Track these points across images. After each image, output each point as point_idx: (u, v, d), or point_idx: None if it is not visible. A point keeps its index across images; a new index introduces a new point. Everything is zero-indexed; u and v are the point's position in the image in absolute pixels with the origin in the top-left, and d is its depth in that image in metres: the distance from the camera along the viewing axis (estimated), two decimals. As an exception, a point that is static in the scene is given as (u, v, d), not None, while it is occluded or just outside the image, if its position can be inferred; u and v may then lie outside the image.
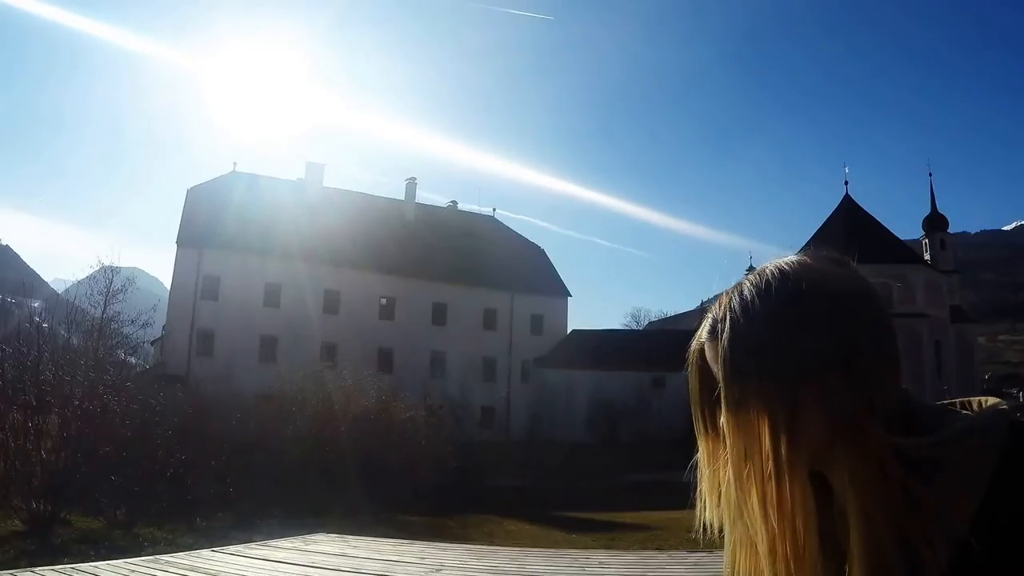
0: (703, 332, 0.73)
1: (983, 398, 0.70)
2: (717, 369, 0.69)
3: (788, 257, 0.73)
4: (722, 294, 0.73)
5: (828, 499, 0.69)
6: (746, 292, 0.70)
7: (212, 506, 11.26)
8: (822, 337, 0.65)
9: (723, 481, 0.72)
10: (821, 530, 0.66)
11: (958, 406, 0.69)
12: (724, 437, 0.69)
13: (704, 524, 0.76)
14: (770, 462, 0.65)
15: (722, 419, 0.69)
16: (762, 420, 0.65)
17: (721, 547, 0.74)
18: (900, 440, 0.63)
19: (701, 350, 0.74)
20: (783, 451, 0.64)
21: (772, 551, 0.66)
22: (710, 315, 0.73)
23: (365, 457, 13.71)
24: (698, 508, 0.76)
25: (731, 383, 0.67)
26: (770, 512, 0.65)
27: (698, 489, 0.76)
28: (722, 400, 0.68)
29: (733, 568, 0.75)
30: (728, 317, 0.69)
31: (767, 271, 0.71)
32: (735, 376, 0.67)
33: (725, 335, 0.68)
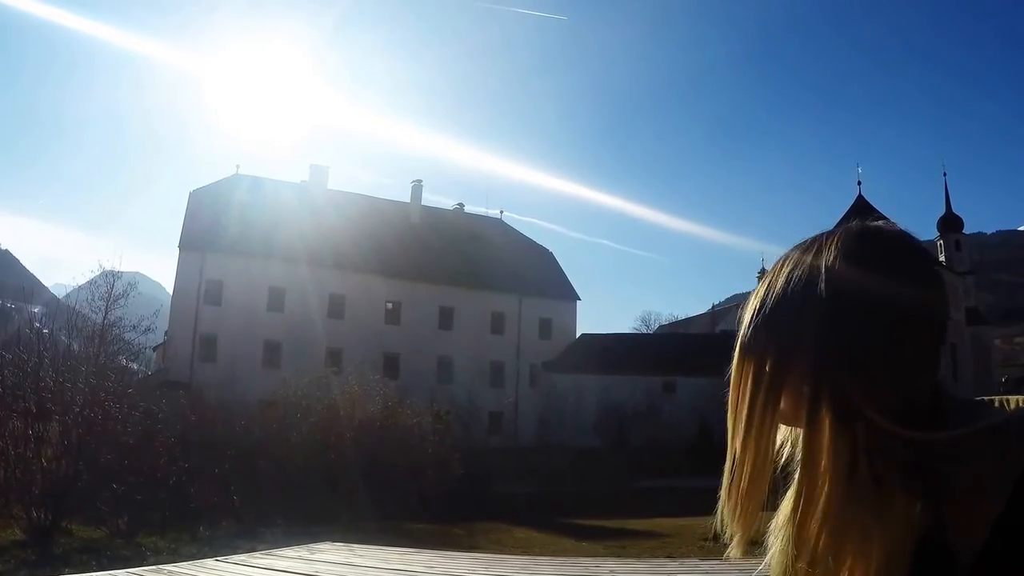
0: (745, 312, 0.72)
1: (1021, 398, 0.69)
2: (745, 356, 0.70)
3: (838, 230, 0.70)
4: (774, 265, 0.72)
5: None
6: (793, 265, 0.68)
7: (215, 514, 11.19)
8: (857, 328, 0.63)
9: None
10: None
11: (996, 403, 0.69)
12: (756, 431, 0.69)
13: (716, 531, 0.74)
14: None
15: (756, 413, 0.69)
16: (797, 410, 0.65)
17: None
18: (913, 434, 0.61)
19: (743, 344, 0.72)
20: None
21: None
22: (755, 292, 0.71)
23: (371, 464, 13.60)
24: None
25: (773, 365, 0.67)
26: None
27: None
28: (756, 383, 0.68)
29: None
30: (770, 292, 0.68)
31: (823, 243, 0.69)
32: (772, 354, 0.67)
33: (762, 312, 0.68)
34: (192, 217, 36.26)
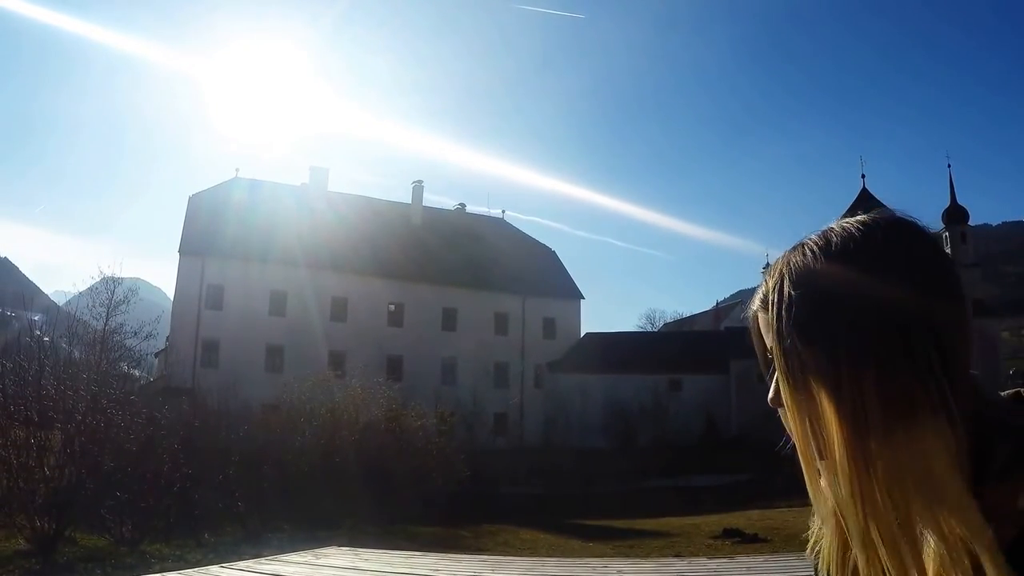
0: (755, 300, 0.68)
1: None
2: (769, 340, 0.65)
3: (855, 217, 0.66)
4: (779, 258, 0.67)
5: None
6: (807, 253, 0.64)
7: (220, 521, 11.18)
8: (897, 307, 0.59)
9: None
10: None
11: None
12: (783, 415, 0.65)
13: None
14: (839, 448, 0.59)
15: (772, 394, 0.65)
16: (827, 399, 0.59)
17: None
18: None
19: (757, 317, 0.68)
20: (854, 436, 0.59)
21: (864, 542, 0.59)
22: (764, 281, 0.67)
23: (375, 467, 13.58)
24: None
25: (788, 355, 0.62)
26: (851, 502, 0.60)
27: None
28: (778, 375, 0.64)
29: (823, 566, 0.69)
30: (784, 281, 0.63)
31: (832, 232, 0.65)
32: (792, 348, 0.61)
33: (782, 302, 0.62)
34: (192, 222, 36.22)
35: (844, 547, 0.65)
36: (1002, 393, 0.68)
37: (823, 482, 0.63)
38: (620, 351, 39.98)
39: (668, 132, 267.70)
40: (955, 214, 48.17)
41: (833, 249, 0.63)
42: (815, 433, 0.62)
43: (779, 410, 0.67)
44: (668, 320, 67.99)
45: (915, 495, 0.58)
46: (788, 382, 0.62)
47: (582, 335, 43.77)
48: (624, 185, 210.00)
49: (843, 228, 0.65)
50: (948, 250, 46.08)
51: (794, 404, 0.62)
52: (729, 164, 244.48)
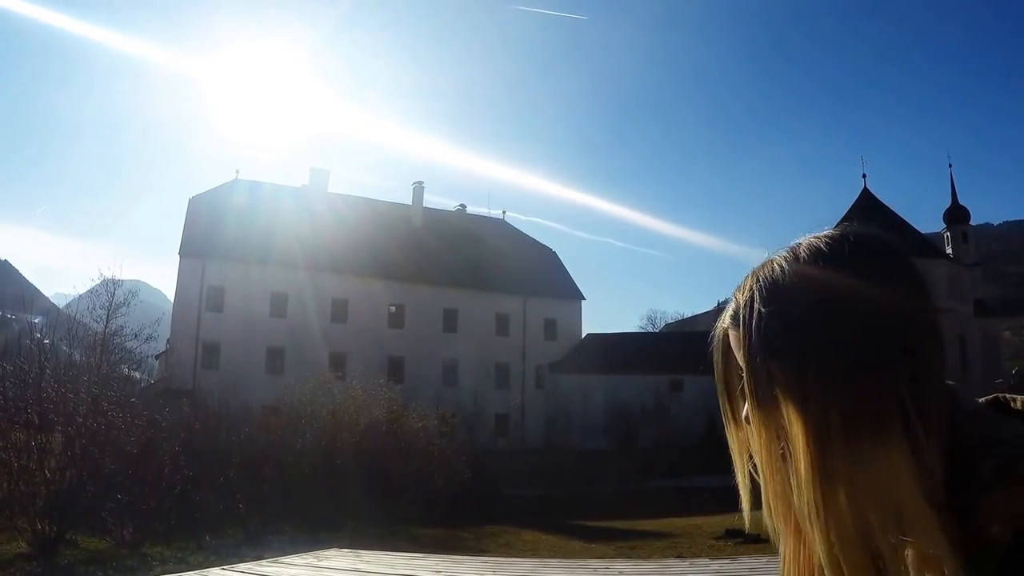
0: (726, 317, 0.68)
1: None
2: (740, 358, 0.65)
3: (823, 232, 0.66)
4: (747, 275, 0.67)
5: None
6: (776, 271, 0.64)
7: (221, 523, 11.16)
8: (867, 323, 0.60)
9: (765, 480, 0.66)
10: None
11: (1019, 404, 0.66)
12: (751, 432, 0.65)
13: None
14: (806, 467, 0.59)
15: (746, 411, 0.64)
16: (795, 417, 0.59)
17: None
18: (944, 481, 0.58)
19: (727, 334, 0.68)
20: (819, 452, 0.58)
21: (831, 562, 0.59)
22: (734, 298, 0.68)
23: (377, 469, 13.56)
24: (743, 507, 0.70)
25: (757, 373, 0.62)
26: (814, 521, 0.59)
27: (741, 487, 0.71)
28: (746, 392, 0.63)
29: None
30: (754, 298, 0.64)
31: (800, 248, 0.65)
32: (763, 366, 0.61)
33: (752, 319, 0.63)
34: (192, 223, 36.22)
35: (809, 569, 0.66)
36: (980, 400, 0.68)
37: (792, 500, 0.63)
38: (621, 352, 39.94)
39: (668, 132, 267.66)
40: (956, 214, 48.17)
41: (802, 264, 0.64)
42: (784, 451, 0.62)
43: (727, 433, 0.69)
44: (669, 320, 68.12)
45: (877, 514, 0.57)
46: (755, 399, 0.62)
47: (583, 336, 43.74)
48: (624, 185, 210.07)
49: (810, 244, 0.65)
50: (949, 250, 45.67)
51: (762, 421, 0.63)
52: (730, 164, 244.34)
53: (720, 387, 0.71)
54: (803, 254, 0.65)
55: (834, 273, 0.62)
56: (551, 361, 41.08)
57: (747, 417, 0.65)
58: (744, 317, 0.64)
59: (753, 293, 0.64)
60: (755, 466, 0.67)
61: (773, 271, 0.64)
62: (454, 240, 42.22)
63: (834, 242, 0.65)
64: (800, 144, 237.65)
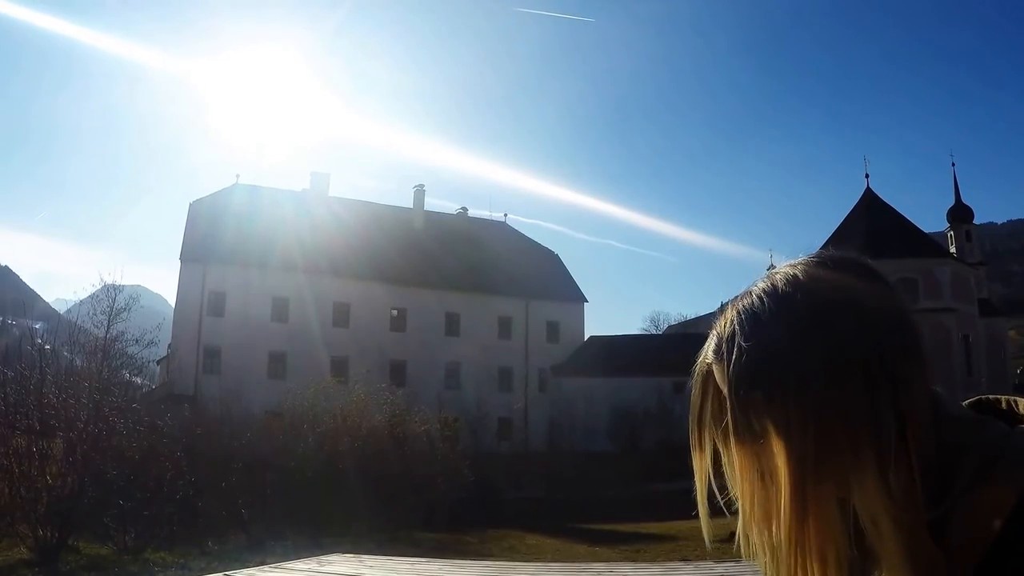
0: (708, 351, 0.68)
1: None
2: (725, 391, 0.64)
3: (799, 260, 0.67)
4: (727, 306, 0.68)
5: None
6: (755, 303, 0.64)
7: (223, 528, 11.15)
8: (845, 350, 0.60)
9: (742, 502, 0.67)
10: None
11: (1003, 404, 0.66)
12: (730, 464, 0.66)
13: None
14: (787, 496, 0.59)
15: (729, 443, 0.65)
16: (778, 447, 0.60)
17: (752, 557, 0.68)
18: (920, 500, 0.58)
19: (709, 369, 0.68)
20: (806, 483, 0.59)
21: None
22: (715, 331, 0.68)
23: (380, 473, 13.52)
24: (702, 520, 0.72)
25: (741, 406, 0.62)
26: (794, 552, 0.60)
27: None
28: (730, 424, 0.63)
29: None
30: (735, 333, 0.64)
31: (777, 278, 0.66)
32: (746, 399, 0.62)
33: (733, 353, 0.63)
34: (192, 228, 36.22)
35: None
36: (964, 403, 0.68)
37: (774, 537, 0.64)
38: (624, 354, 39.85)
39: (670, 133, 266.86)
40: (960, 213, 48.02)
41: (780, 295, 0.64)
42: (765, 485, 0.63)
43: (693, 459, 0.70)
44: (672, 322, 67.82)
45: (848, 545, 0.59)
46: (739, 431, 0.63)
47: (586, 338, 43.64)
48: (626, 187, 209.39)
49: (786, 274, 0.66)
50: (953, 249, 45.42)
51: (746, 452, 0.63)
52: (732, 165, 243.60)
53: (693, 415, 0.71)
54: (780, 284, 0.65)
55: (812, 301, 0.63)
56: (554, 364, 40.99)
57: (732, 443, 0.65)
58: (726, 351, 0.64)
59: (735, 327, 0.65)
60: (720, 490, 0.69)
61: (752, 303, 0.65)
62: (455, 243, 42.19)
63: (812, 269, 0.66)
64: (803, 144, 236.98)
